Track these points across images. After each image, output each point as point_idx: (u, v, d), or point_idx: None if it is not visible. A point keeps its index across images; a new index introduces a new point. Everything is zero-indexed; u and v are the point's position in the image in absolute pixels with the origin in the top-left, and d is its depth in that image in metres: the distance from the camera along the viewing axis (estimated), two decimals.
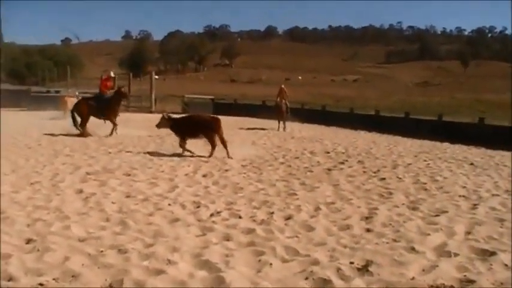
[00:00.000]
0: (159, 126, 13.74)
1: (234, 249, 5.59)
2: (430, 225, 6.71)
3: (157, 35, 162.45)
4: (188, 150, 13.04)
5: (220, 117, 13.67)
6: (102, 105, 17.43)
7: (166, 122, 13.56)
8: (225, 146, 13.00)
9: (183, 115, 15.34)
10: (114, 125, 17.44)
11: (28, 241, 5.71)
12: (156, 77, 41.41)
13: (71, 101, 26.50)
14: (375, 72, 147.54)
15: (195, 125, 13.24)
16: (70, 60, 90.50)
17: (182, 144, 13.13)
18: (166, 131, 14.45)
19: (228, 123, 14.93)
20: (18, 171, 10.09)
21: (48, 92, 37.58)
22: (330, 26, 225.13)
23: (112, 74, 19.95)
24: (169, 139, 15.45)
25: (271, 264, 5.13)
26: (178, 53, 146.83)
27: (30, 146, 13.75)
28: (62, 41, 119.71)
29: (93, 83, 52.84)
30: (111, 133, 17.10)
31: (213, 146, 12.97)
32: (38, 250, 5.40)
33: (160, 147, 14.10)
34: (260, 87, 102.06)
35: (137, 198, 7.85)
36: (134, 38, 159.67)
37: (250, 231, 6.25)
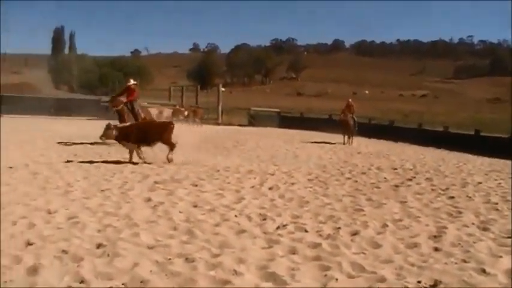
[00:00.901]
0: (104, 136, 13.34)
1: (300, 262, 5.56)
2: (502, 247, 6.46)
3: (225, 48, 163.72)
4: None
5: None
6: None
7: (111, 132, 13.23)
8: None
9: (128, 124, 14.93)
10: None
11: (99, 246, 5.87)
12: (223, 89, 41.93)
13: (153, 111, 27.62)
14: (444, 88, 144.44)
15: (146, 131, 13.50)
16: (139, 72, 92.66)
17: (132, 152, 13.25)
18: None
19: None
20: (90, 178, 10.42)
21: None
22: (398, 40, 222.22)
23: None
24: (236, 151, 15.62)
25: (336, 279, 5.07)
26: (245, 65, 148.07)
27: (101, 154, 14.15)
28: (131, 52, 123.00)
29: (162, 95, 54.05)
30: None
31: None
32: (108, 255, 5.53)
33: (226, 159, 14.21)
34: (326, 100, 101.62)
35: (204, 209, 7.93)
36: (202, 50, 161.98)
37: (316, 245, 6.20)
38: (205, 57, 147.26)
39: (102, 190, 9.14)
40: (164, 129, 13.58)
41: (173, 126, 13.68)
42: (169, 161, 13.05)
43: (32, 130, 20.54)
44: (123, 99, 17.92)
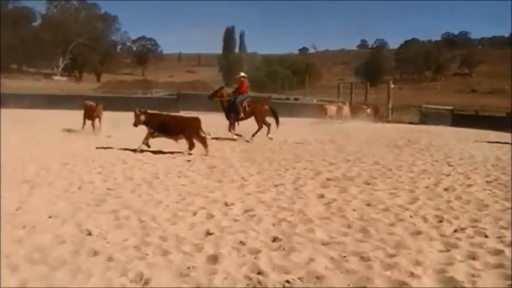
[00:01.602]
0: (135, 123, 13.61)
1: (481, 269, 5.25)
2: None
3: (393, 44, 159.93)
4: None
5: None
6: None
7: (139, 118, 13.43)
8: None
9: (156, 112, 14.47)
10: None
11: (274, 239, 6.00)
12: (392, 86, 41.06)
13: (330, 109, 27.94)
14: None
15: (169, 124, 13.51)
16: (307, 69, 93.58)
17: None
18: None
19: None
20: (263, 173, 10.71)
21: (287, 99, 39.21)
22: None
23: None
24: (408, 149, 15.23)
25: None
26: (415, 61, 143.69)
27: (274, 150, 14.49)
28: (299, 50, 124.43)
29: (330, 92, 54.24)
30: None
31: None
32: (284, 249, 5.63)
33: (398, 157, 13.87)
34: (503, 98, 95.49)
35: (378, 208, 7.79)
36: (370, 46, 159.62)
37: (498, 252, 5.82)
38: (374, 53, 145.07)
39: (275, 185, 9.34)
40: (187, 125, 13.48)
41: (199, 123, 13.42)
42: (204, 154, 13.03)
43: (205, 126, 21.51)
44: (226, 91, 19.20)
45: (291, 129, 21.36)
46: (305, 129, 21.14)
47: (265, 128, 18.07)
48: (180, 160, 12.04)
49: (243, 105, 18.32)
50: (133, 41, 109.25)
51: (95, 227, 6.36)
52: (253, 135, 17.74)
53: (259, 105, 18.92)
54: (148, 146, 13.40)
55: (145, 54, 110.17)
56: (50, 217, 6.83)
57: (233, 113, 18.42)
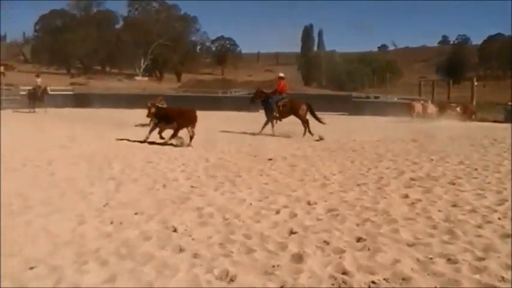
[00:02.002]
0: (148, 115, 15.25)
1: None
2: None
3: (476, 39, 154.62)
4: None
5: None
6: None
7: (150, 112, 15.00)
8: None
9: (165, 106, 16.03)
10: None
11: (358, 239, 5.97)
12: (476, 83, 39.69)
13: (418, 107, 27.52)
14: None
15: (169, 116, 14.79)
16: (387, 67, 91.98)
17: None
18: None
19: None
20: (345, 172, 10.64)
21: (367, 97, 38.69)
22: None
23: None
24: (493, 149, 14.73)
25: None
26: (499, 57, 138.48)
27: (355, 149, 14.36)
28: (378, 47, 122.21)
29: (411, 90, 53.08)
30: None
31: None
32: (369, 249, 5.60)
33: (483, 157, 13.43)
34: None
35: (464, 209, 7.56)
36: (451, 43, 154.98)
37: None
38: (456, 49, 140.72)
39: (358, 184, 9.27)
40: (181, 115, 14.63)
41: (193, 115, 14.63)
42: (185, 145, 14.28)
43: (286, 124, 21.59)
44: (265, 92, 19.92)
45: (372, 128, 21.13)
46: (386, 127, 20.81)
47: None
48: (261, 158, 12.15)
49: (278, 104, 18.79)
50: (213, 41, 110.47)
51: (180, 223, 6.54)
52: (304, 134, 18.04)
53: (296, 103, 19.12)
54: (162, 138, 14.73)
55: (224, 53, 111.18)
56: (136, 213, 7.07)
57: (268, 112, 18.98)
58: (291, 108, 18.79)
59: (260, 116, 20.45)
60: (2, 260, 5.20)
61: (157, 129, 15.05)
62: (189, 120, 14.56)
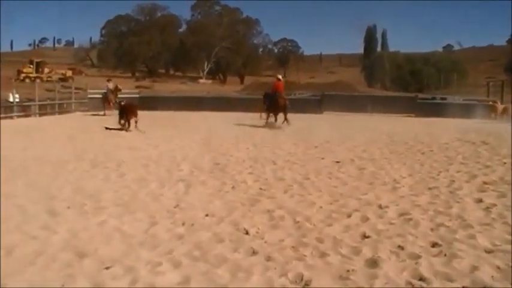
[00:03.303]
0: None
1: None
2: None
3: None
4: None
5: None
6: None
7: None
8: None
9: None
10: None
11: (434, 245, 5.85)
12: None
13: (501, 107, 26.97)
14: None
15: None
16: (453, 67, 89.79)
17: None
18: None
19: None
20: (415, 175, 10.43)
21: (433, 98, 37.80)
22: None
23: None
24: None
25: None
26: None
27: (423, 151, 14.05)
28: (443, 47, 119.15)
29: (477, 91, 51.71)
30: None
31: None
32: (445, 255, 5.47)
33: None
34: None
35: None
36: None
37: None
38: None
39: (429, 188, 9.07)
40: (128, 109, 19.56)
41: (134, 109, 19.60)
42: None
43: (350, 127, 21.43)
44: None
45: (439, 129, 20.66)
46: (454, 129, 20.29)
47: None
48: (329, 161, 12.06)
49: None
50: (275, 43, 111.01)
51: (251, 226, 6.56)
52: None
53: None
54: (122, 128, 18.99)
55: (286, 55, 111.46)
56: (206, 215, 7.14)
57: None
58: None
59: (324, 117, 20.28)
60: (78, 259, 5.34)
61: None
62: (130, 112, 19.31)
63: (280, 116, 21.44)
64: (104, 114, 26.84)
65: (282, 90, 22.68)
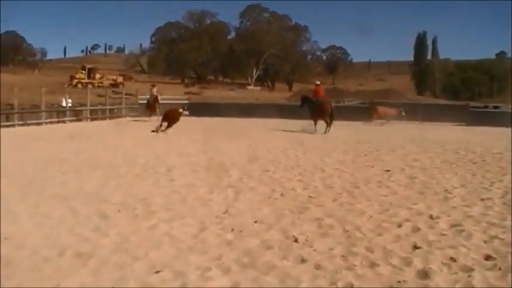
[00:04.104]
0: None
1: None
2: None
3: None
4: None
5: None
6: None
7: None
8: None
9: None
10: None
11: (487, 257, 5.71)
12: None
13: None
14: None
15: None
16: (505, 74, 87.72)
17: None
18: None
19: None
20: (467, 185, 10.22)
21: (485, 107, 36.99)
22: None
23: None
24: None
25: None
26: None
27: (475, 161, 13.77)
28: (496, 54, 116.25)
29: None
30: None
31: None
32: (500, 269, 5.34)
33: None
34: None
35: None
36: None
37: None
38: None
39: (482, 199, 8.86)
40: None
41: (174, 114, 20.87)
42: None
43: (400, 135, 21.19)
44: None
45: (492, 139, 20.20)
46: (507, 139, 19.74)
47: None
48: (379, 170, 11.94)
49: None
50: (323, 50, 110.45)
51: (300, 234, 6.55)
52: None
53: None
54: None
55: (335, 63, 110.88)
56: (255, 222, 7.16)
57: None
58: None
59: (373, 125, 20.05)
60: (128, 262, 5.43)
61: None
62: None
63: (326, 121, 21.80)
64: (150, 119, 27.22)
65: (323, 94, 24.33)
